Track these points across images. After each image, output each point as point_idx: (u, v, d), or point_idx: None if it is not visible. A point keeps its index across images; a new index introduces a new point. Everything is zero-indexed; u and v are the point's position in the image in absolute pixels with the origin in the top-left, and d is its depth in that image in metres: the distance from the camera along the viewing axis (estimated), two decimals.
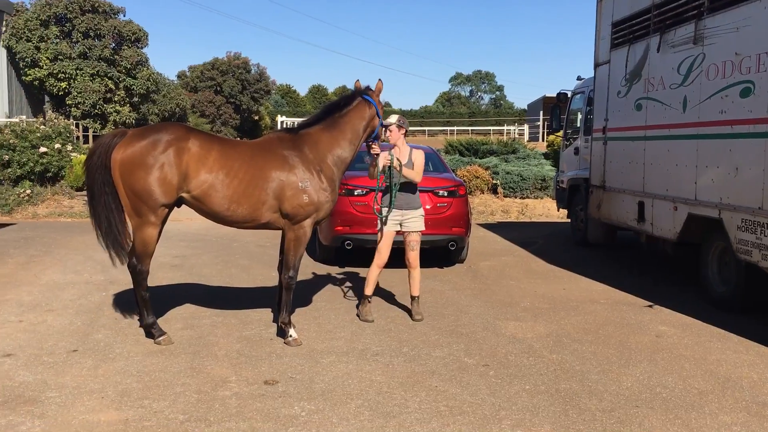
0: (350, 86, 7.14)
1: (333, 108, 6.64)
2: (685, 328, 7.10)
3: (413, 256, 7.27)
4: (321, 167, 6.34)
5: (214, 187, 6.04)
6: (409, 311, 7.41)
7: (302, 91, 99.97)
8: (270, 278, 9.09)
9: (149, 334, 6.31)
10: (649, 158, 9.30)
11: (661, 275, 10.03)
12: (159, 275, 9.27)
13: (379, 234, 7.26)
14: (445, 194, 9.84)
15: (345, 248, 9.81)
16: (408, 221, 7.22)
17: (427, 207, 9.47)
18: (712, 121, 7.69)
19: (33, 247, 11.47)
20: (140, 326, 6.46)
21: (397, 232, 7.29)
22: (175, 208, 6.29)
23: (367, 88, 6.81)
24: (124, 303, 7.58)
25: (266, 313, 7.24)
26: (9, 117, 21.14)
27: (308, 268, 10.06)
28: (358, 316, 7.22)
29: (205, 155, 6.05)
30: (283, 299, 6.41)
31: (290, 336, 6.29)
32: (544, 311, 7.72)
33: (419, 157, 7.28)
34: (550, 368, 5.76)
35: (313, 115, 6.75)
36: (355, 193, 9.62)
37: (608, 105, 10.74)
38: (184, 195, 6.08)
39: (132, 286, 6.45)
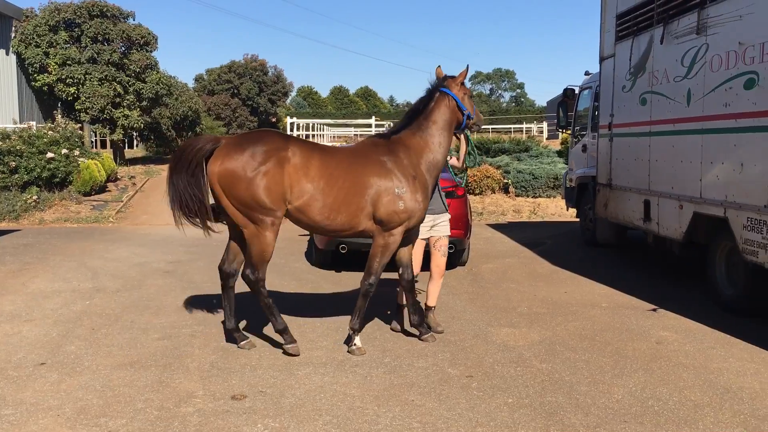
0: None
1: (416, 111, 6.30)
2: (688, 333, 6.72)
3: (444, 261, 6.83)
4: (416, 173, 6.05)
5: (314, 197, 5.79)
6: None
7: (324, 92, 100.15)
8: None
9: (287, 340, 6.04)
10: (654, 155, 8.91)
11: (668, 277, 9.62)
12: (148, 282, 9.06)
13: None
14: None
15: (340, 252, 9.52)
16: (439, 225, 6.78)
17: None
18: (717, 114, 7.30)
19: (30, 254, 11.33)
20: (275, 331, 6.15)
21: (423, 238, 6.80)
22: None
23: (446, 78, 6.35)
24: (104, 312, 7.39)
25: (249, 322, 6.97)
26: (18, 123, 21.11)
27: (304, 273, 9.81)
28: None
29: (306, 165, 5.79)
30: (357, 305, 6.10)
31: (354, 344, 6.04)
32: (541, 316, 7.38)
33: None
34: (537, 379, 5.42)
35: (399, 122, 6.47)
36: None
37: (614, 100, 10.35)
38: (288, 207, 5.82)
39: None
